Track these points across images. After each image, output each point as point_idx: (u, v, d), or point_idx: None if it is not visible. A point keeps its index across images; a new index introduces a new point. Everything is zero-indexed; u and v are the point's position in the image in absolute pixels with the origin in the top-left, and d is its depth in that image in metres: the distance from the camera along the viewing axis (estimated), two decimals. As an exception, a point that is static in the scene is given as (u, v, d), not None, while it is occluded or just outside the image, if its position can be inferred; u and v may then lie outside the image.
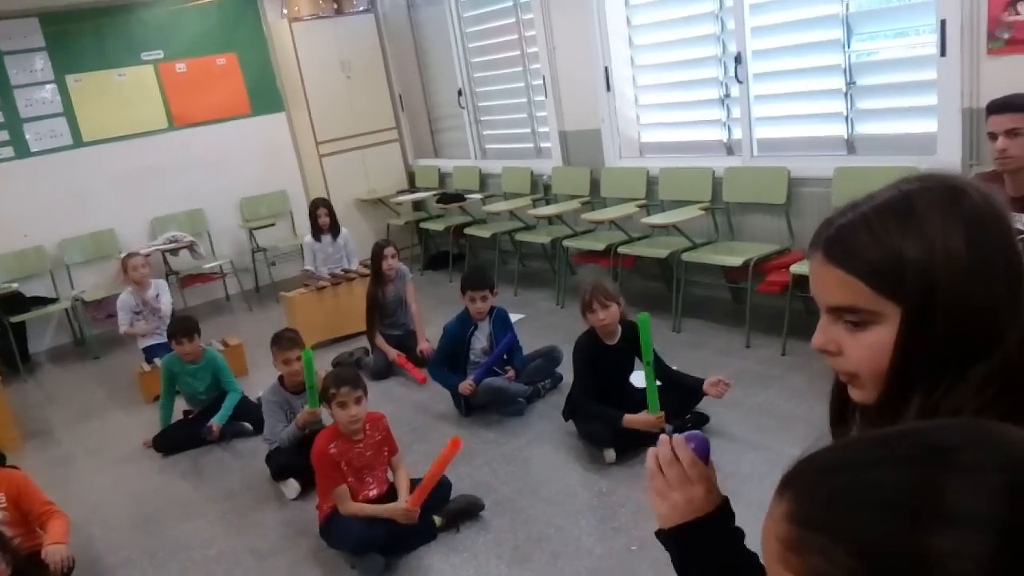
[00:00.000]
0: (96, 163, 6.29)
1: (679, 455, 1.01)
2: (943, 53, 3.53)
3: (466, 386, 3.79)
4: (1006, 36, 3.36)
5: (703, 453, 1.02)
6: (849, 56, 4.01)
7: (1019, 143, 2.55)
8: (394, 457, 3.03)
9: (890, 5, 3.94)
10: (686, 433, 1.05)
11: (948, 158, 3.59)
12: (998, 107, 2.63)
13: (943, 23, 3.50)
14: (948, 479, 0.50)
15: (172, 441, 4.05)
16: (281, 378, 3.52)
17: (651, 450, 1.03)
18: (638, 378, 3.57)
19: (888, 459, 0.54)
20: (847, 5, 3.94)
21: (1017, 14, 3.30)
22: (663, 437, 1.04)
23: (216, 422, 3.98)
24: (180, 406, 4.24)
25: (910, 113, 3.89)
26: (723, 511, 1.02)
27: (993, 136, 2.62)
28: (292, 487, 3.38)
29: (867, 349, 0.83)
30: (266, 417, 3.51)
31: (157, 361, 4.65)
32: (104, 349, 5.91)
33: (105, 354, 5.86)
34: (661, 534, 1.03)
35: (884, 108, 4.03)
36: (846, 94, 4.08)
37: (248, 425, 4.04)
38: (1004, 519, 0.48)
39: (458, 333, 3.98)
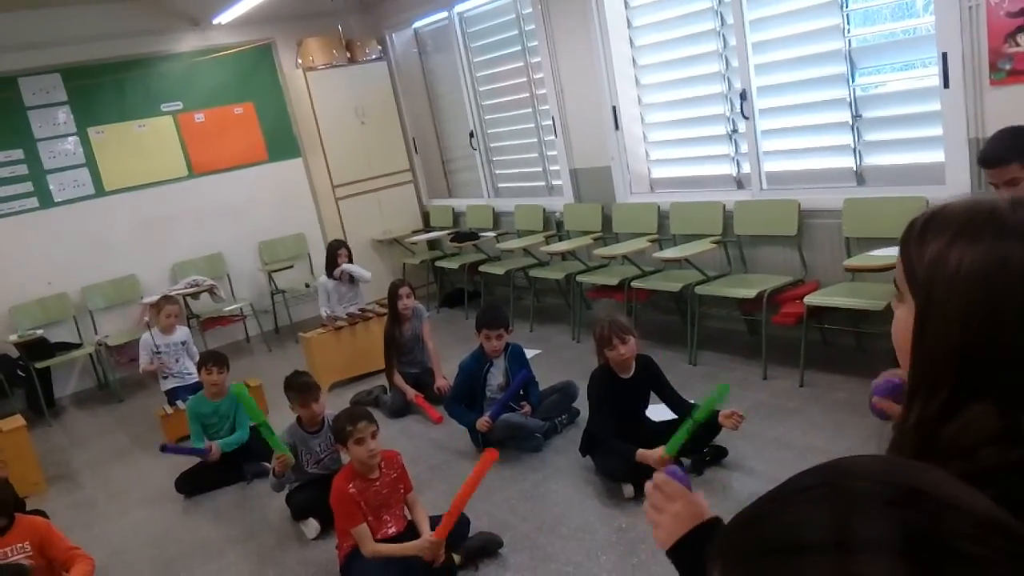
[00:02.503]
0: (118, 211, 6.44)
1: (656, 482, 1.13)
2: (946, 85, 3.59)
3: (483, 423, 3.82)
4: (1007, 67, 3.41)
5: (681, 479, 1.17)
6: (854, 90, 4.08)
7: (1022, 188, 2.56)
8: (409, 495, 3.06)
9: (892, 40, 4.01)
10: (667, 469, 1.20)
11: (957, 188, 3.62)
12: (988, 162, 2.65)
13: (944, 56, 3.56)
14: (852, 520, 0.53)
15: (195, 483, 4.09)
16: (299, 418, 3.56)
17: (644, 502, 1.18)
18: (653, 411, 3.59)
19: (798, 503, 0.57)
20: (849, 41, 4.02)
21: (1017, 45, 3.36)
22: (647, 484, 1.19)
23: (217, 444, 4.04)
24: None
25: (917, 144, 3.93)
26: (714, 522, 1.11)
27: (995, 186, 2.64)
28: (312, 527, 3.40)
29: (896, 323, 0.90)
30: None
31: (180, 403, 4.72)
32: (128, 392, 5.99)
33: (128, 397, 5.94)
34: (668, 554, 1.11)
35: (891, 140, 4.08)
36: (853, 127, 4.13)
37: (268, 465, 4.07)
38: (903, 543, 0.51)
39: (474, 370, 4.02)
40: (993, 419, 0.79)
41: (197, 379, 4.75)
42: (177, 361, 5.09)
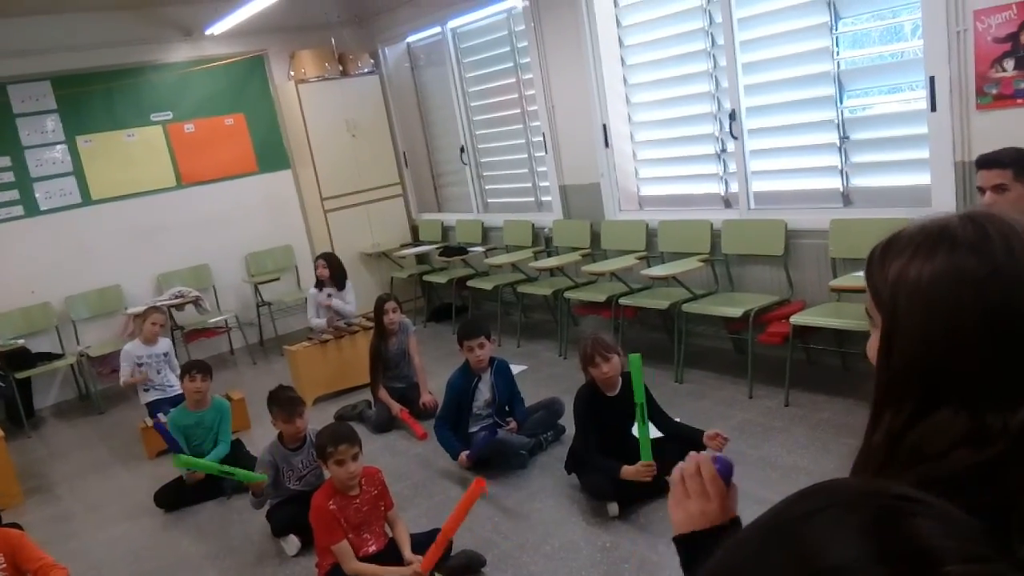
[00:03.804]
0: (104, 221, 6.40)
1: (702, 470, 1.07)
2: (933, 108, 3.62)
3: (463, 460, 3.79)
4: (994, 91, 3.44)
5: (725, 474, 1.08)
6: (842, 112, 4.11)
7: (1007, 198, 2.60)
8: (390, 512, 3.02)
9: (881, 63, 4.04)
10: (715, 454, 1.11)
11: (943, 210, 3.63)
12: (985, 163, 2.70)
13: (932, 80, 3.60)
14: (818, 544, 0.54)
15: (174, 497, 4.03)
16: (280, 435, 3.52)
17: (678, 464, 1.09)
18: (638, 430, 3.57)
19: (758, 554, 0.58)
20: (838, 64, 4.05)
21: (1004, 70, 3.39)
22: (691, 453, 1.10)
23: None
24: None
25: (904, 166, 3.96)
26: (734, 526, 1.08)
27: (982, 190, 2.68)
28: (293, 544, 3.36)
29: (870, 345, 0.92)
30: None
31: (161, 416, 4.66)
32: (109, 404, 5.93)
33: (109, 409, 5.87)
34: (675, 539, 1.09)
35: (878, 161, 4.10)
36: (840, 148, 4.16)
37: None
38: (877, 551, 0.52)
39: (461, 387, 3.98)
40: (960, 421, 0.81)
41: (179, 391, 4.72)
42: (159, 373, 5.06)
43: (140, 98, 6.55)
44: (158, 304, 5.80)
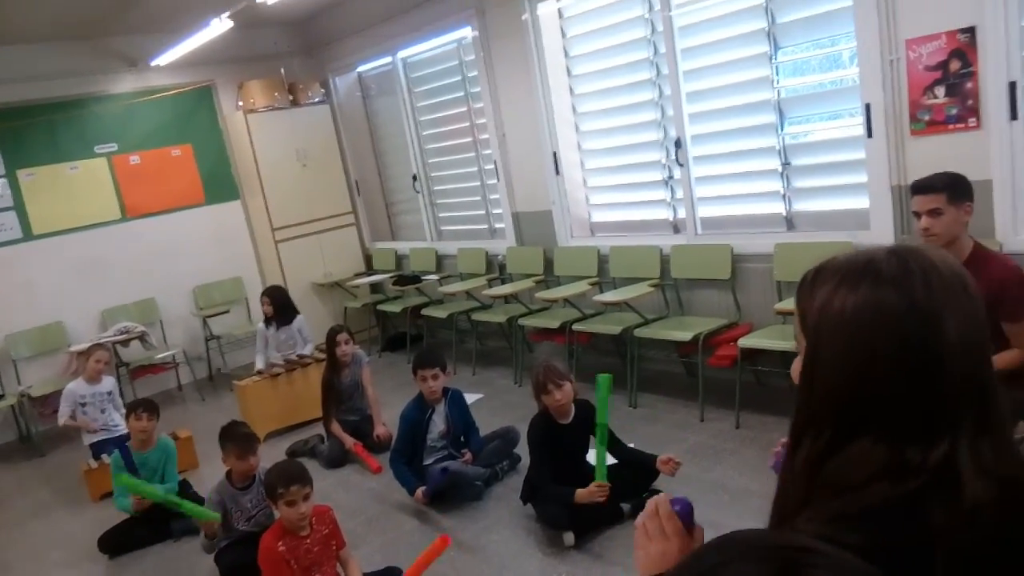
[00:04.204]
0: (46, 256, 6.23)
1: (659, 510, 1.09)
2: (870, 135, 3.74)
3: (419, 497, 3.73)
4: (926, 118, 3.57)
5: (685, 514, 1.09)
6: (783, 138, 4.21)
7: (941, 222, 2.69)
8: (342, 551, 2.96)
9: (820, 90, 4.16)
10: (674, 496, 1.12)
11: (882, 232, 3.75)
12: (919, 188, 2.79)
13: (868, 107, 3.72)
14: None
15: (119, 541, 3.89)
16: (229, 473, 3.43)
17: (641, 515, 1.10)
18: (594, 456, 3.56)
19: None
20: (778, 92, 4.16)
21: (935, 97, 3.52)
22: (652, 498, 1.12)
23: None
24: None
25: (843, 191, 4.07)
26: None
27: (918, 215, 2.76)
28: (242, 586, 3.26)
29: (795, 369, 0.95)
30: None
31: (105, 457, 4.52)
32: (50, 446, 5.72)
33: (51, 451, 5.67)
34: None
35: (819, 186, 4.21)
36: (782, 174, 4.26)
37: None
38: None
39: (416, 419, 3.93)
40: (878, 453, 0.83)
41: (124, 431, 4.58)
42: (103, 412, 4.90)
43: (84, 130, 6.42)
44: (102, 341, 5.64)
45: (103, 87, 6.47)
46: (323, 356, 4.98)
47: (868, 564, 0.61)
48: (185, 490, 4.09)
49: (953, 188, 2.70)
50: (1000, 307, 2.58)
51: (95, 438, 4.84)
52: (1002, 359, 2.57)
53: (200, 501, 3.88)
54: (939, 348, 0.84)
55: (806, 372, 0.90)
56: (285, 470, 2.89)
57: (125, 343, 6.12)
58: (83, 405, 4.84)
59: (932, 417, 0.84)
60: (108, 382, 4.99)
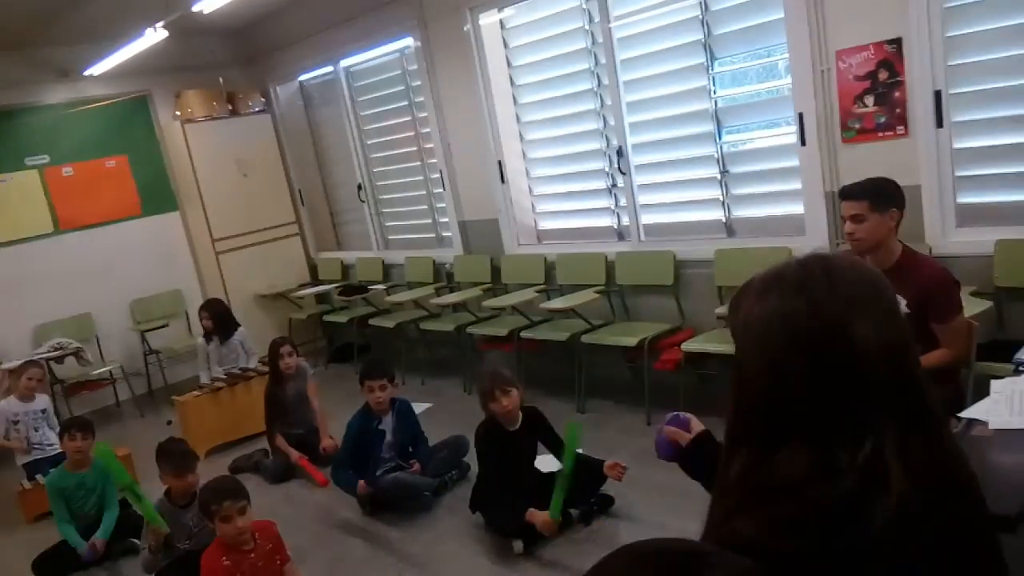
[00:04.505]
0: (-27, 271, 5.99)
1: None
2: (803, 143, 3.85)
3: (362, 487, 3.69)
4: (857, 126, 3.69)
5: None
6: (721, 147, 4.31)
7: (864, 227, 2.78)
8: (287, 565, 2.91)
9: (757, 100, 4.26)
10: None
11: (816, 237, 3.86)
12: (844, 194, 2.89)
13: (801, 116, 3.83)
14: None
15: (55, 564, 3.75)
16: (168, 491, 3.34)
17: None
18: (543, 463, 3.58)
19: None
20: (715, 102, 4.26)
21: (865, 106, 3.64)
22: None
23: (99, 538, 3.71)
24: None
25: (780, 198, 4.18)
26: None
27: (844, 220, 2.85)
28: (184, 608, 3.18)
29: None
30: (143, 537, 3.31)
31: (40, 478, 4.36)
32: (-20, 467, 5.48)
33: (-19, 473, 5.43)
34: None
35: (756, 194, 4.32)
36: (721, 182, 4.36)
37: (138, 541, 3.79)
38: None
39: (361, 430, 3.89)
40: (805, 457, 0.85)
41: (59, 450, 4.41)
42: (36, 431, 4.71)
43: (13, 141, 6.20)
44: (35, 358, 5.44)
45: (34, 97, 6.27)
46: (267, 369, 4.90)
47: (756, 565, 0.65)
48: (125, 510, 3.97)
49: (876, 195, 2.77)
50: (930, 308, 2.68)
51: (28, 458, 4.66)
52: (932, 358, 2.66)
53: (140, 520, 3.78)
54: (848, 352, 0.86)
55: (733, 385, 0.92)
56: (218, 486, 2.84)
57: (60, 359, 5.91)
58: (15, 424, 4.66)
59: (855, 419, 0.86)
60: (42, 400, 4.82)
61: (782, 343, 0.87)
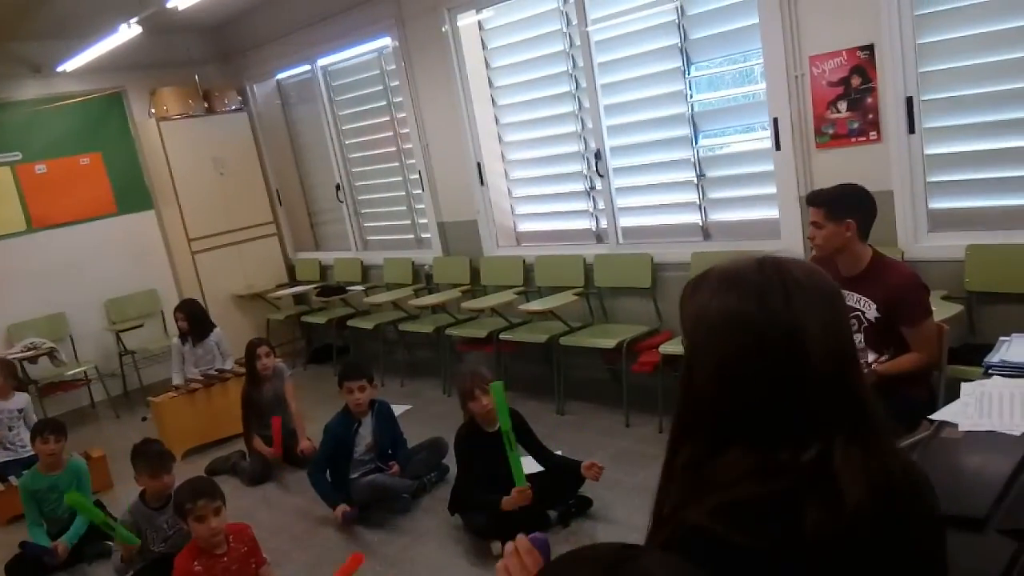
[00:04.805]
0: (-57, 270, 5.89)
1: (518, 546, 1.06)
2: (778, 147, 3.89)
3: (339, 514, 3.64)
4: (831, 131, 3.75)
5: (543, 550, 1.09)
6: (698, 151, 4.35)
7: (821, 234, 2.83)
8: (263, 568, 2.90)
9: (733, 104, 4.31)
10: (532, 534, 1.11)
11: (791, 241, 3.91)
12: (807, 199, 2.95)
13: (776, 121, 3.87)
14: None
15: (27, 568, 3.70)
16: (143, 493, 3.31)
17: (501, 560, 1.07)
18: (524, 462, 3.58)
19: None
20: (692, 106, 4.29)
21: (838, 112, 3.70)
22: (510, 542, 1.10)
23: (63, 541, 3.65)
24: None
25: (755, 201, 4.22)
26: None
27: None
28: (160, 611, 3.15)
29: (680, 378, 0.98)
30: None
31: (12, 479, 4.31)
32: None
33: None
34: None
35: (732, 197, 4.36)
36: (698, 185, 4.39)
37: (111, 544, 3.75)
38: None
39: (340, 432, 3.88)
40: (751, 457, 0.88)
41: (31, 452, 4.35)
42: (11, 430, 4.62)
43: (-15, 138, 6.11)
44: (7, 357, 5.36)
45: (5, 93, 6.18)
46: (243, 370, 4.87)
47: (680, 559, 0.69)
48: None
49: (833, 204, 2.80)
50: (899, 312, 2.73)
51: (1, 458, 4.59)
52: (903, 362, 2.71)
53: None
54: (800, 357, 0.88)
55: (683, 378, 0.94)
56: (192, 485, 2.83)
57: (33, 360, 5.84)
58: (-10, 423, 4.58)
59: (802, 423, 0.88)
60: (20, 399, 4.72)
61: (736, 345, 0.89)
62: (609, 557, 0.69)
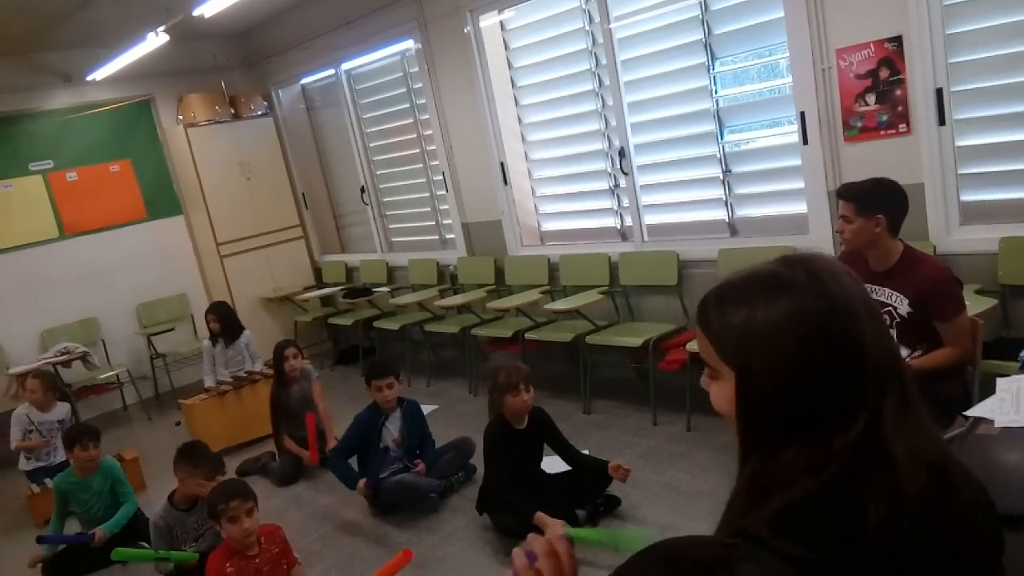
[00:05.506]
0: (-19, 276, 6.02)
1: (557, 548, 1.00)
2: (805, 142, 3.85)
3: (361, 488, 3.68)
4: (859, 124, 3.69)
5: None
6: (723, 147, 4.31)
7: (850, 228, 2.79)
8: (294, 569, 2.92)
9: (759, 99, 4.27)
10: (560, 533, 1.04)
11: (819, 236, 3.87)
12: (838, 192, 2.91)
13: (802, 115, 3.83)
14: None
15: (65, 569, 3.77)
16: (172, 496, 3.35)
17: (517, 549, 1.02)
18: (548, 463, 3.59)
19: None
20: (717, 101, 4.26)
21: (867, 104, 3.65)
22: (531, 536, 1.04)
23: (102, 530, 3.70)
24: (73, 527, 3.97)
25: (782, 196, 4.18)
26: None
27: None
28: (194, 610, 3.19)
29: (718, 398, 0.97)
30: (153, 544, 3.33)
31: (48, 481, 4.37)
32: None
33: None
34: None
35: (759, 193, 4.32)
36: (724, 181, 4.36)
37: (146, 545, 3.80)
38: None
39: (368, 422, 3.90)
40: (804, 452, 0.86)
41: (63, 459, 4.40)
42: (49, 442, 4.67)
43: (17, 147, 6.23)
44: (43, 362, 5.47)
45: (37, 103, 6.30)
46: (272, 372, 4.91)
47: (786, 566, 0.66)
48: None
49: (863, 198, 2.76)
50: (932, 307, 2.68)
51: (32, 465, 4.66)
52: (936, 357, 2.67)
53: (147, 523, 3.80)
54: (861, 341, 0.88)
55: (740, 397, 0.91)
56: (227, 487, 2.85)
57: (67, 364, 5.95)
58: (29, 433, 4.65)
59: (857, 406, 0.87)
60: (61, 409, 4.77)
61: (801, 342, 0.87)
62: (712, 554, 0.65)
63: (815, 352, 0.87)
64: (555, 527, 3.03)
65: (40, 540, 3.69)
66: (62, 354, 5.93)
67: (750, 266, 0.96)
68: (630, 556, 0.67)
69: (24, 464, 4.70)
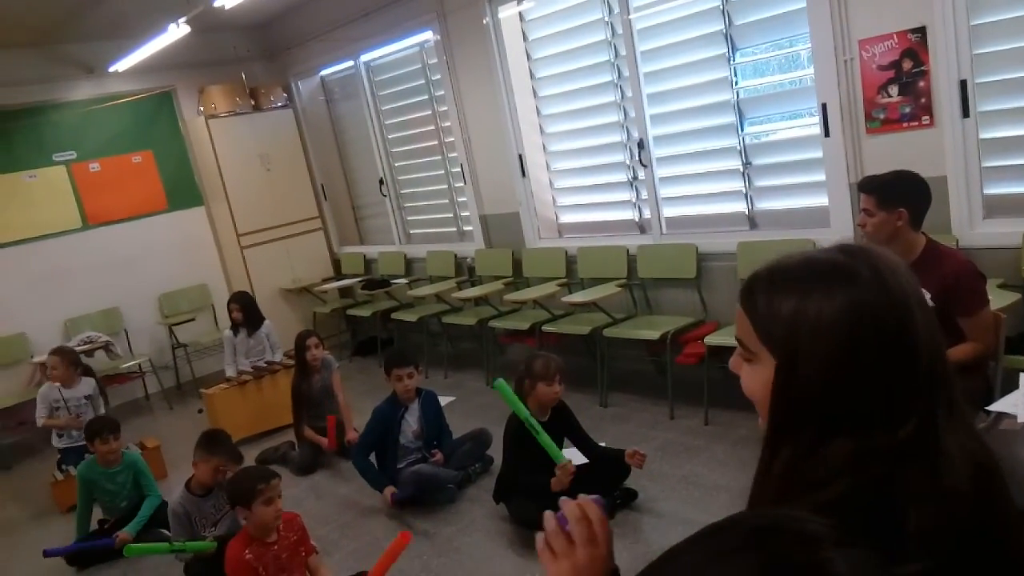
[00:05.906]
0: (6, 266, 6.11)
1: (589, 513, 0.98)
2: (827, 134, 3.81)
3: (387, 497, 3.73)
4: (882, 116, 3.66)
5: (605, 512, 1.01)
6: (743, 139, 4.28)
7: (872, 222, 2.76)
8: (312, 557, 2.95)
9: (779, 91, 4.23)
10: (591, 497, 1.02)
11: (841, 230, 3.83)
12: (860, 185, 2.89)
13: (824, 106, 3.79)
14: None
15: (88, 553, 3.83)
16: (189, 482, 3.39)
17: (548, 512, 1.00)
18: (569, 454, 3.60)
19: None
20: (737, 93, 4.23)
21: (889, 96, 3.61)
22: (563, 499, 1.02)
23: (127, 531, 3.74)
24: (97, 515, 4.04)
25: (803, 189, 4.15)
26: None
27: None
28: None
29: (751, 381, 0.94)
30: (172, 530, 3.38)
31: (71, 469, 4.45)
32: (17, 459, 5.62)
33: (18, 464, 5.57)
34: None
35: (779, 185, 4.29)
36: (743, 174, 4.33)
37: (168, 533, 3.86)
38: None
39: (388, 415, 3.93)
40: (846, 448, 0.84)
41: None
42: (78, 417, 4.67)
43: (41, 138, 6.31)
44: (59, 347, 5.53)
45: (60, 94, 6.37)
46: (292, 362, 4.96)
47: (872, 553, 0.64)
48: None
49: (885, 191, 2.73)
50: (954, 301, 2.66)
51: (64, 443, 4.73)
52: (958, 352, 2.64)
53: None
54: (914, 336, 0.86)
55: (781, 383, 0.89)
56: (257, 470, 2.90)
57: (89, 353, 6.03)
58: (56, 410, 4.71)
59: (908, 402, 0.86)
60: (86, 384, 4.80)
61: (847, 340, 0.85)
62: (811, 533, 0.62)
63: (869, 348, 0.85)
64: (558, 477, 3.05)
65: (47, 554, 3.62)
66: (85, 343, 6.02)
67: (803, 251, 0.94)
68: (698, 532, 0.66)
69: (56, 441, 4.76)
